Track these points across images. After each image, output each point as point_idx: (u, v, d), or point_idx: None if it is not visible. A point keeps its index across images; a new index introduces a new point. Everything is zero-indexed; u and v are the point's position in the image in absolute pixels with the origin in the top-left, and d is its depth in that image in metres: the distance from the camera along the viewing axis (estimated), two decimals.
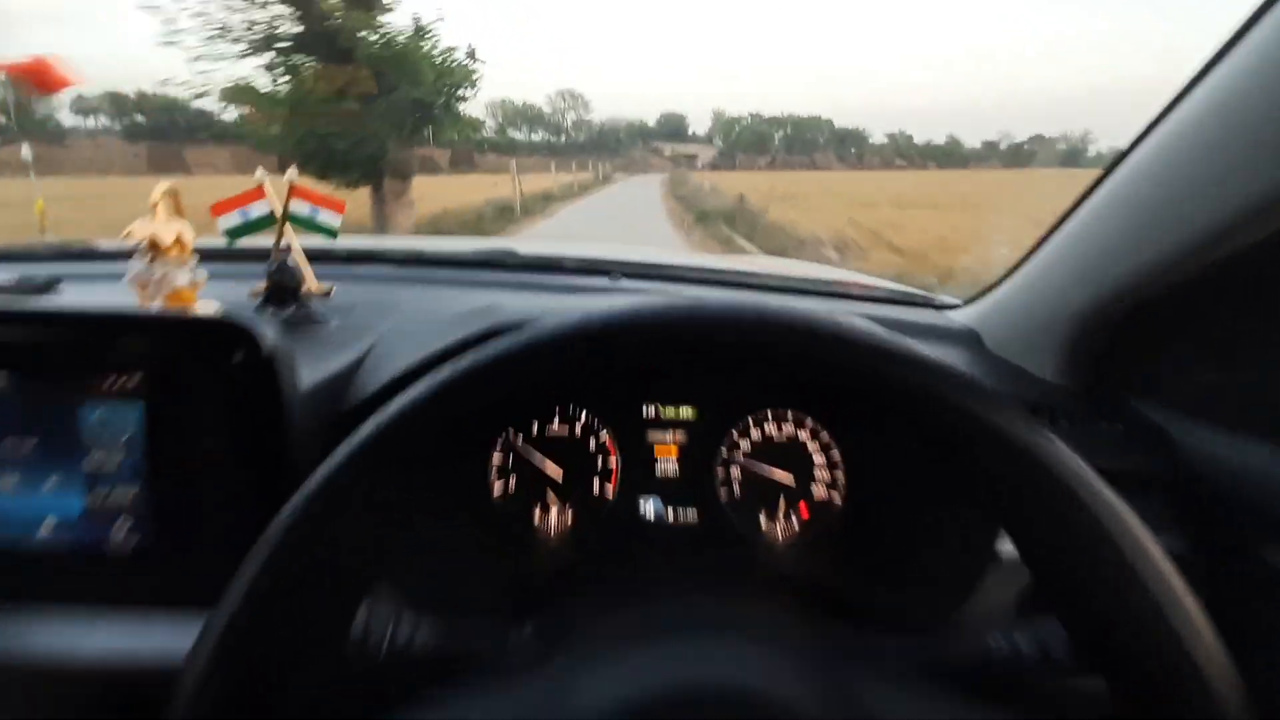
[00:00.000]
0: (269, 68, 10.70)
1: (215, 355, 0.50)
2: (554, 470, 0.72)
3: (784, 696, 0.34)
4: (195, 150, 77.85)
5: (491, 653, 0.42)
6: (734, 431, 0.73)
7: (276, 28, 10.41)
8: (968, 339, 0.87)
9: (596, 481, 0.73)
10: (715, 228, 14.03)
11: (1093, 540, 0.30)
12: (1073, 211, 0.71)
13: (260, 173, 0.82)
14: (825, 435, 0.73)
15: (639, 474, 0.73)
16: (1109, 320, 0.67)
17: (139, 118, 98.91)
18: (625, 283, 0.99)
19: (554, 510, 0.72)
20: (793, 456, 0.73)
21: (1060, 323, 0.72)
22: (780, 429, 0.73)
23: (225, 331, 0.50)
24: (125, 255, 0.70)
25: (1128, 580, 0.29)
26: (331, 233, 0.85)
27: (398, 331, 0.73)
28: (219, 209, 0.81)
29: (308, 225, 0.83)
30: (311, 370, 0.59)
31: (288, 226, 0.83)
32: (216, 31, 9.96)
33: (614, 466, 0.73)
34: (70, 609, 0.54)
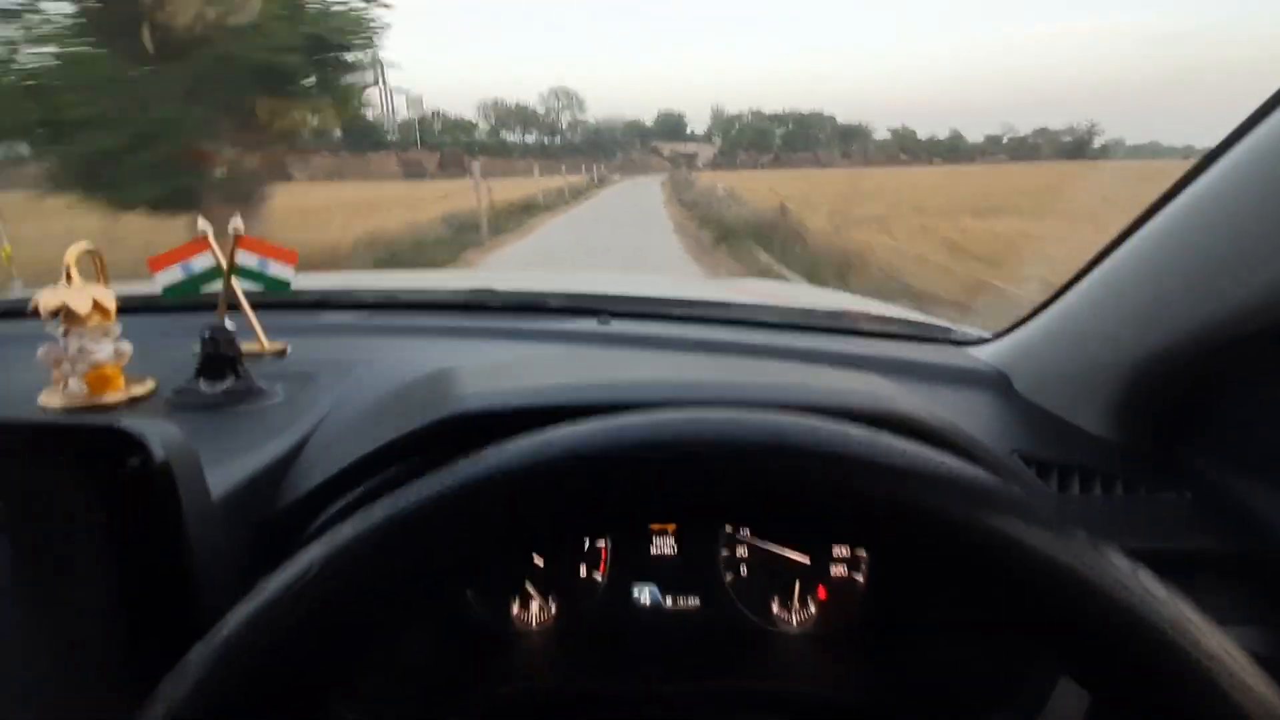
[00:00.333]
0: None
1: (96, 469, 0.41)
2: (535, 557, 0.63)
3: None
4: None
5: None
6: None
7: None
8: (995, 382, 0.77)
9: (583, 567, 0.64)
10: (744, 249, 9.66)
11: (1188, 689, 0.23)
12: (1127, 236, 0.61)
13: (203, 223, 0.74)
14: None
15: (632, 557, 0.64)
16: (1172, 366, 0.57)
17: None
18: (616, 325, 0.90)
19: (534, 604, 0.64)
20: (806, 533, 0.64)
21: (1112, 368, 0.62)
22: None
23: (106, 440, 0.41)
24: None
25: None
26: (284, 285, 0.76)
27: (348, 403, 0.64)
28: (156, 263, 0.73)
29: (256, 279, 0.75)
30: (230, 469, 0.50)
31: (235, 281, 0.74)
32: None
33: (603, 549, 0.64)
34: None
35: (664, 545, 0.64)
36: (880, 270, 7.17)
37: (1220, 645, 0.23)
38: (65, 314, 0.59)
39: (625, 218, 15.88)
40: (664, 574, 0.64)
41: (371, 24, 6.84)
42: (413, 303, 0.98)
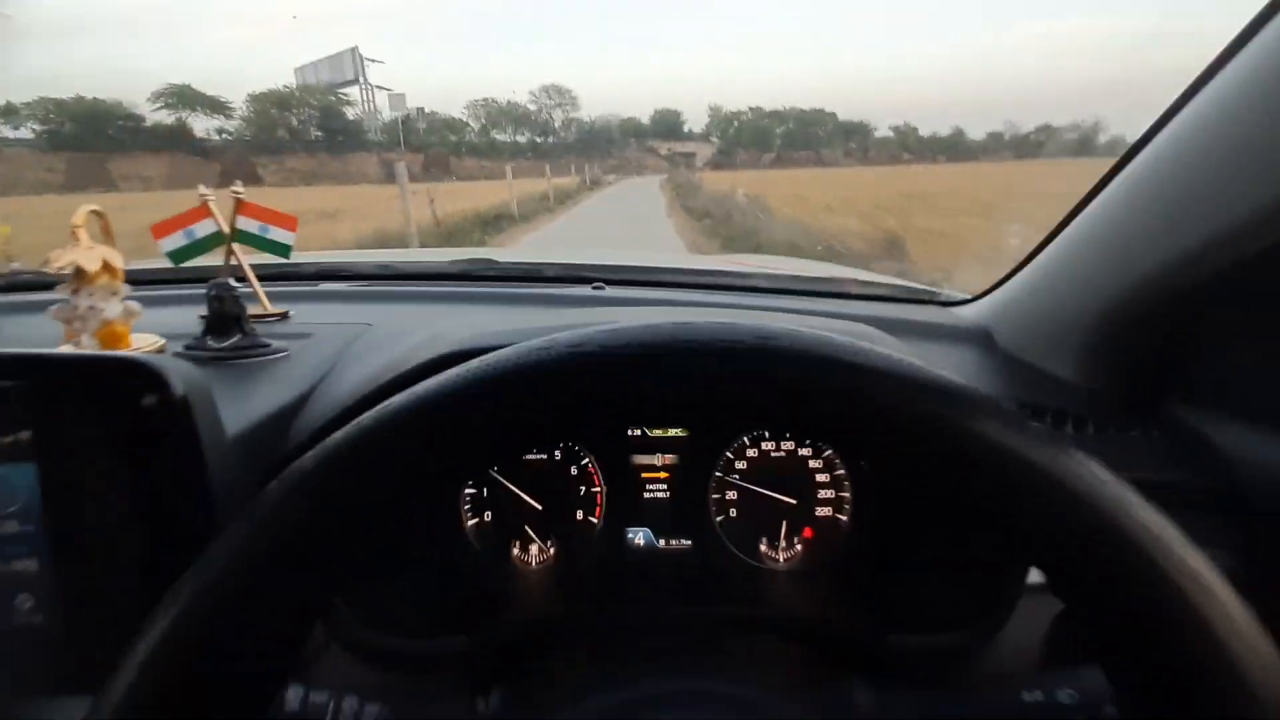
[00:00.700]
0: None
1: (119, 403, 0.43)
2: (532, 501, 0.66)
3: None
4: (123, 161, 65.61)
5: None
6: (729, 452, 0.66)
7: None
8: (978, 338, 0.80)
9: (580, 512, 0.66)
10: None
11: (1144, 575, 0.24)
12: (1092, 196, 0.64)
13: (204, 189, 0.76)
14: (829, 451, 0.66)
15: (626, 502, 0.66)
16: (1141, 314, 0.59)
17: (66, 126, 77.50)
18: (610, 291, 0.92)
19: (534, 546, 0.66)
20: (793, 476, 0.66)
21: (1083, 318, 0.65)
22: (779, 446, 0.66)
23: (127, 374, 0.43)
24: (49, 285, 0.64)
25: (1187, 619, 0.23)
26: (284, 251, 0.79)
27: (355, 357, 0.67)
28: (160, 230, 0.75)
29: (257, 244, 0.78)
30: (242, 411, 0.52)
31: (237, 246, 0.77)
32: None
33: (598, 494, 0.66)
34: None
35: (657, 490, 0.66)
36: None
37: (1198, 562, 0.24)
38: (75, 272, 0.62)
39: (620, 232, 12.63)
40: (657, 517, 0.66)
41: None
42: (412, 273, 1.00)
